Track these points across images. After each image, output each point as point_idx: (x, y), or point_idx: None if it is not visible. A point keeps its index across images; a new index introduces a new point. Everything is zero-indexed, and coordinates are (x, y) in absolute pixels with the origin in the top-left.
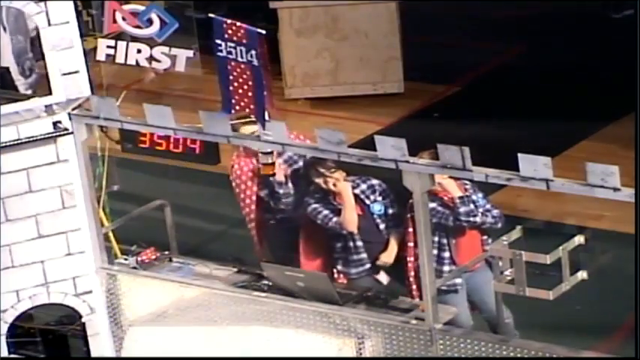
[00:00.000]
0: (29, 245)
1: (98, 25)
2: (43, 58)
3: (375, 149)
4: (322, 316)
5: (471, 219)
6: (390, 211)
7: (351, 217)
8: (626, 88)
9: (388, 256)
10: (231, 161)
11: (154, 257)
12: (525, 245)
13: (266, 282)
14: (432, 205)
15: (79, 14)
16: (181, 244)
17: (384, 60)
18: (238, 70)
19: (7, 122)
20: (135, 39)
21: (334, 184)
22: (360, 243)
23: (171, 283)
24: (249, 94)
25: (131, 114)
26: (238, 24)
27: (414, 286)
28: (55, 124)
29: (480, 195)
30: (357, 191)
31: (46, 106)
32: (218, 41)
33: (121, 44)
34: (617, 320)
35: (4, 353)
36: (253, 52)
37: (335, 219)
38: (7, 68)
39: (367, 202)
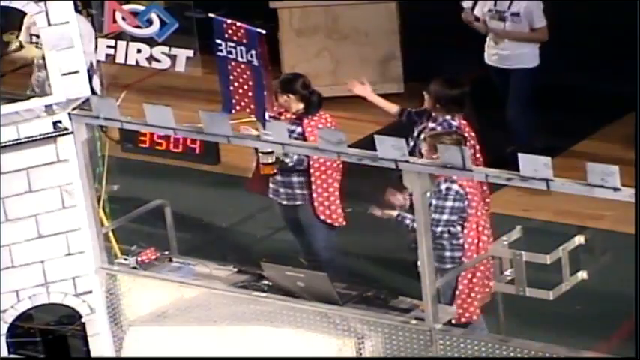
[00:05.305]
0: (29, 245)
1: (98, 25)
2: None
3: (375, 149)
4: (322, 316)
5: None
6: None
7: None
8: (626, 88)
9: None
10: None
11: (154, 257)
12: (525, 245)
13: (266, 282)
14: None
15: (78, 14)
16: (181, 244)
17: (384, 60)
18: (238, 70)
19: (7, 122)
20: (135, 39)
21: None
22: None
23: (171, 283)
24: (250, 94)
25: (131, 114)
26: (238, 24)
27: None
28: (55, 124)
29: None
30: None
31: (46, 106)
32: (218, 41)
33: (121, 44)
34: (617, 320)
35: (4, 353)
36: (253, 52)
37: None
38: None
39: None
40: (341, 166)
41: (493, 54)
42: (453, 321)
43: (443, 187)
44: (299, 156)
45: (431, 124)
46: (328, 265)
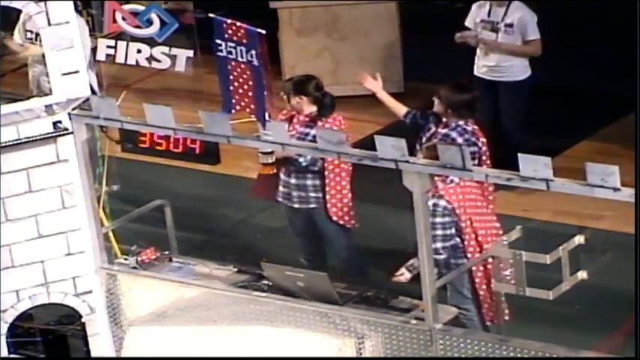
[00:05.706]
0: (29, 245)
1: (98, 25)
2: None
3: (375, 149)
4: (322, 316)
5: None
6: None
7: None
8: (626, 88)
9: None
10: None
11: (154, 257)
12: (525, 245)
13: (266, 282)
14: None
15: (79, 14)
16: (181, 244)
17: (384, 60)
18: (238, 70)
19: (7, 122)
20: (135, 39)
21: None
22: None
23: (171, 283)
24: (250, 94)
25: (131, 114)
26: (238, 24)
27: None
28: (55, 124)
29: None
30: None
31: (46, 106)
32: (218, 41)
33: (121, 44)
34: (617, 320)
35: (4, 353)
36: (253, 52)
37: None
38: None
39: None
40: (351, 168)
41: (482, 65)
42: (489, 323)
43: (430, 203)
44: (313, 156)
45: (443, 130)
46: (349, 265)
